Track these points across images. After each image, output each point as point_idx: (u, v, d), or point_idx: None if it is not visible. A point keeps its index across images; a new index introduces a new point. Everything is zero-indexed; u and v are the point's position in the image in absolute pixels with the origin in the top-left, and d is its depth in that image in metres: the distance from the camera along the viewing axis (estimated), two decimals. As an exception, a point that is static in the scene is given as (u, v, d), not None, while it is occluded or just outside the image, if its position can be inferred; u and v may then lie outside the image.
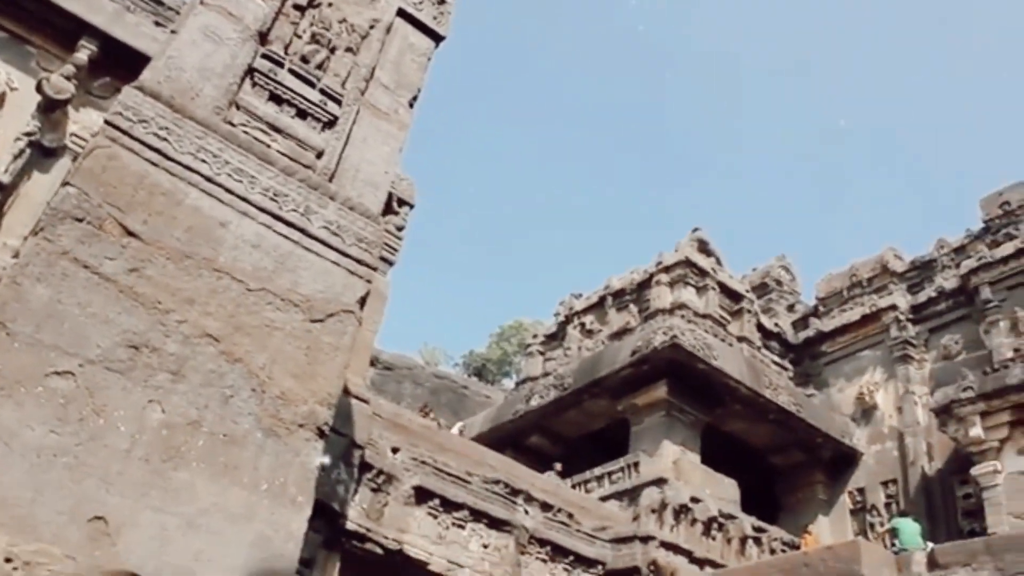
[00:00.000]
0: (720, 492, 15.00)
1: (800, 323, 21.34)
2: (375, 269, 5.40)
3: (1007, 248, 17.80)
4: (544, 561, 11.56)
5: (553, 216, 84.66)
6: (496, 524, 11.05)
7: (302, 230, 5.12)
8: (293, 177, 5.31)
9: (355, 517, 9.42)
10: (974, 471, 15.73)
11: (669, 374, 15.88)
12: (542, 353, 19.85)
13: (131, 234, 4.62)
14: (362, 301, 5.21)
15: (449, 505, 10.59)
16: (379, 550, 9.67)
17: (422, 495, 10.33)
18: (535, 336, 20.79)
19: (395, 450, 10.23)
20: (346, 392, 8.62)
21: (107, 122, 4.89)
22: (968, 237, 19.26)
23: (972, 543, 11.22)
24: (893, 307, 19.27)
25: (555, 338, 19.87)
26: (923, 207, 75.62)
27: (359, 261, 5.25)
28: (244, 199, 4.95)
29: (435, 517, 10.46)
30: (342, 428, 8.68)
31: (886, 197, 78.32)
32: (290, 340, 4.80)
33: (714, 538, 13.67)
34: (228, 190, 4.91)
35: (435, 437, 11.22)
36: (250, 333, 4.65)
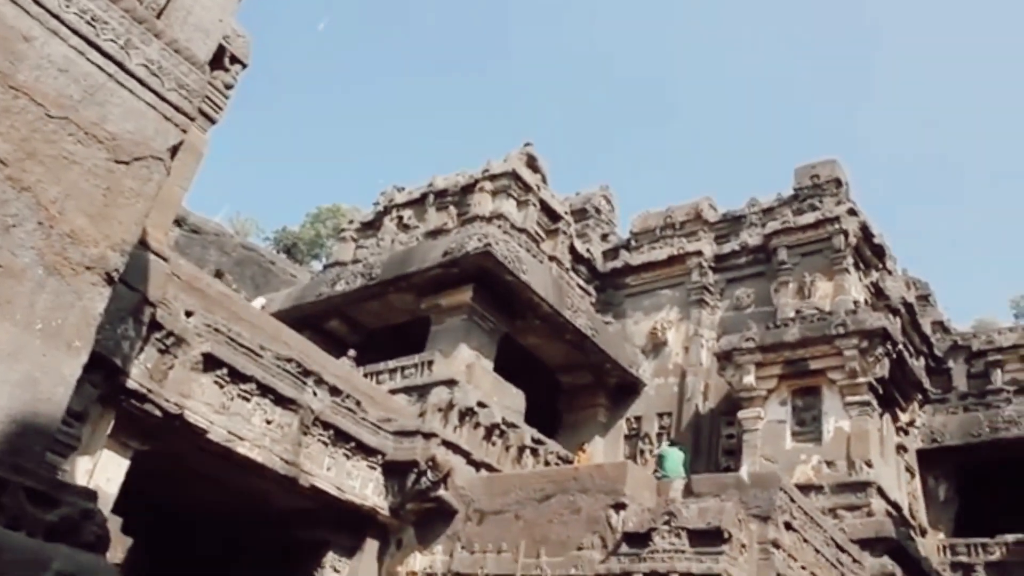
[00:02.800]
0: (507, 401, 15.45)
1: (611, 253, 22.03)
2: (193, 120, 5.06)
3: (808, 217, 18.98)
4: (325, 444, 11.60)
5: (389, 106, 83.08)
6: (282, 401, 10.96)
7: (119, 63, 4.71)
8: (117, 5, 4.87)
9: (137, 376, 9.08)
10: (740, 414, 16.96)
11: (477, 280, 16.07)
12: (355, 240, 19.62)
13: (-87, 32, 4.13)
14: (174, 150, 4.89)
15: (237, 376, 10.39)
16: (158, 412, 9.39)
17: (211, 362, 10.07)
18: (351, 222, 20.50)
19: (189, 313, 9.88)
20: (145, 246, 8.18)
21: None
22: (778, 201, 20.40)
23: (725, 477, 12.15)
24: (699, 253, 20.22)
25: (371, 227, 19.65)
26: (748, 164, 79.19)
27: (177, 108, 4.91)
28: (56, 16, 4.47)
29: (221, 387, 10.24)
30: (136, 283, 8.26)
31: (716, 149, 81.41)
32: (89, 177, 4.45)
33: (494, 444, 14.10)
34: (37, 2, 4.44)
35: (232, 306, 10.91)
36: (44, 162, 4.28)
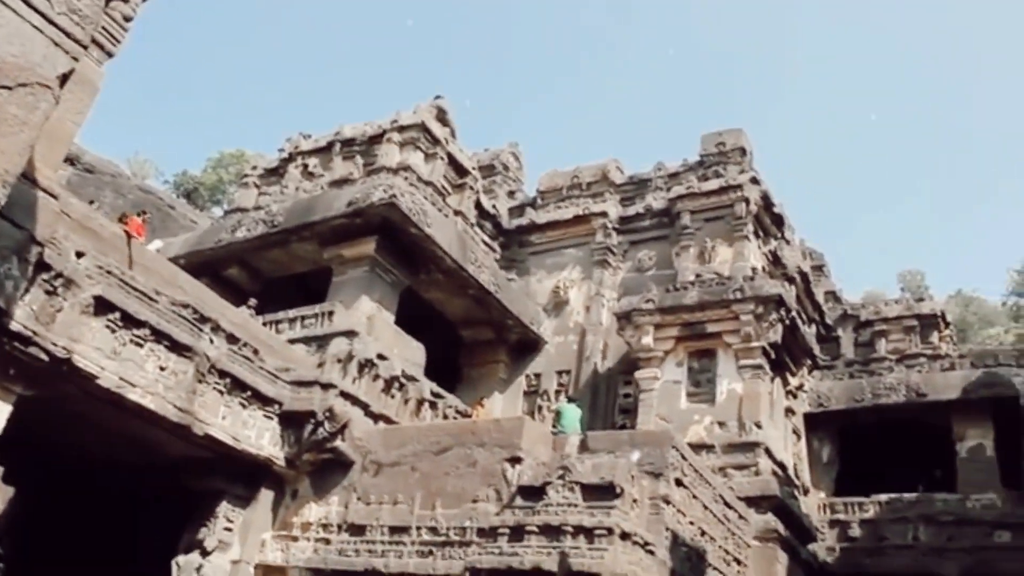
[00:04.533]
0: (407, 354, 15.39)
1: (517, 210, 22.08)
2: (85, 48, 4.81)
3: (712, 184, 19.37)
4: (221, 393, 11.39)
5: (299, 52, 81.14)
6: (177, 348, 10.70)
7: (1, -19, 4.45)
8: (0, -83, 4.56)
9: (22, 318, 8.71)
10: (638, 374, 17.30)
11: (381, 232, 15.89)
12: (258, 187, 19.14)
13: None
14: (63, 79, 4.64)
15: (130, 321, 10.08)
16: (44, 356, 9.04)
17: (102, 306, 9.73)
18: (254, 168, 19.95)
19: (80, 255, 9.52)
20: (33, 182, 7.81)
21: None
22: (683, 166, 20.73)
23: (620, 434, 12.43)
24: (604, 214, 20.44)
25: (275, 173, 19.18)
26: (656, 129, 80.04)
27: (67, 33, 4.64)
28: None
29: (113, 331, 9.92)
30: (22, 220, 7.89)
31: (625, 112, 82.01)
32: (-33, 102, 4.22)
33: (393, 396, 14.06)
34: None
35: (127, 248, 10.55)
36: (-83, 83, 4.04)
